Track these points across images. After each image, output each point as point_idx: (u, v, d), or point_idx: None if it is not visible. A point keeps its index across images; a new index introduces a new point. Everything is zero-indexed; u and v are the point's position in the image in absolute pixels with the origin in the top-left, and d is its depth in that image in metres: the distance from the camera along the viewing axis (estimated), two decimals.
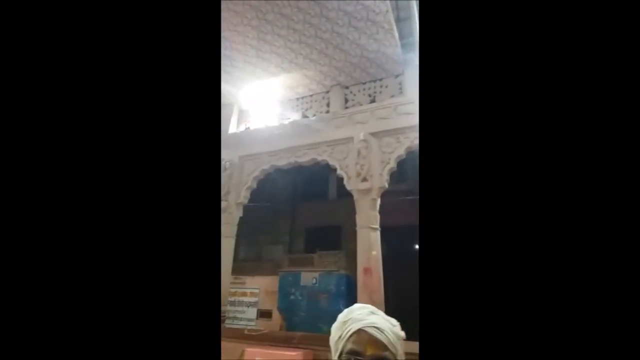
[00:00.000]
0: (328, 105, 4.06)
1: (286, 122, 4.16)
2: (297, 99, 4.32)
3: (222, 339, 3.17)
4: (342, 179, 3.57)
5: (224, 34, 3.40)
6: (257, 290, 7.83)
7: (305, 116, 4.15)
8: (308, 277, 7.13)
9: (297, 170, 4.45)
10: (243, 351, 2.91)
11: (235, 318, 7.42)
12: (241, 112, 4.62)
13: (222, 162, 4.10)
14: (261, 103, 4.44)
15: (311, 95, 4.25)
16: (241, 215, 4.01)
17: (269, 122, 4.31)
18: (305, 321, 6.62)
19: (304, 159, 3.88)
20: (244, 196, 3.99)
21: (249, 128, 4.45)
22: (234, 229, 3.91)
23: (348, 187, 3.46)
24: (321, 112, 4.06)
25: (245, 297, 7.87)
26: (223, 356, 3.06)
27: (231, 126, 4.47)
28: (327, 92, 4.12)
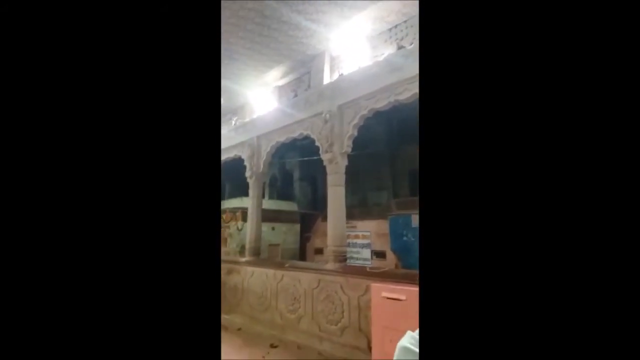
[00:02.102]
0: None
1: (380, 58, 3.86)
2: (390, 29, 3.92)
3: (348, 275, 3.50)
4: None
5: None
6: (368, 233, 8.28)
7: (400, 47, 3.76)
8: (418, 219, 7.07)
9: (397, 111, 4.19)
10: (368, 286, 3.16)
11: (352, 258, 8.10)
12: (333, 60, 4.50)
13: (322, 115, 4.18)
14: (352, 44, 4.21)
15: (405, 21, 3.79)
16: (346, 164, 4.11)
17: (362, 63, 4.09)
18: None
19: (405, 95, 3.59)
20: (347, 145, 4.03)
21: (342, 75, 4.33)
22: (342, 178, 4.06)
23: None
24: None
25: (358, 239, 8.44)
26: (351, 290, 3.40)
27: (325, 76, 4.43)
28: None
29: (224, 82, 5.23)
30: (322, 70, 4.43)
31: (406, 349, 0.91)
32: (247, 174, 5.35)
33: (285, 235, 8.85)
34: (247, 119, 5.77)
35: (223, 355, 3.66)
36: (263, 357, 3.44)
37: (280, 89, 5.25)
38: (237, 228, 7.92)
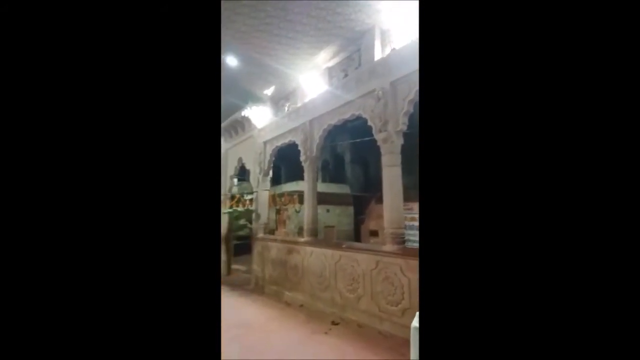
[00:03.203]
0: None
1: None
2: None
3: (408, 257, 3.43)
4: None
5: None
6: None
7: None
8: None
9: None
10: None
11: (409, 240, 7.92)
12: (383, 34, 4.28)
13: (374, 92, 4.04)
14: (403, 15, 3.94)
15: None
16: (402, 142, 3.95)
17: (415, 35, 3.81)
18: None
19: None
20: (402, 122, 3.86)
21: (394, 49, 4.11)
22: (398, 158, 3.92)
23: None
24: None
25: (415, 221, 8.18)
26: (411, 272, 3.34)
27: (376, 52, 4.24)
28: None
29: (275, 67, 5.33)
30: (373, 46, 4.25)
31: (417, 329, 0.95)
32: (302, 158, 5.47)
33: (340, 217, 8.96)
34: (299, 104, 5.83)
35: (288, 329, 3.92)
36: (326, 332, 3.59)
37: (331, 70, 5.17)
38: (295, 210, 8.23)
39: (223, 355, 3.15)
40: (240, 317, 4.50)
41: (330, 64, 5.14)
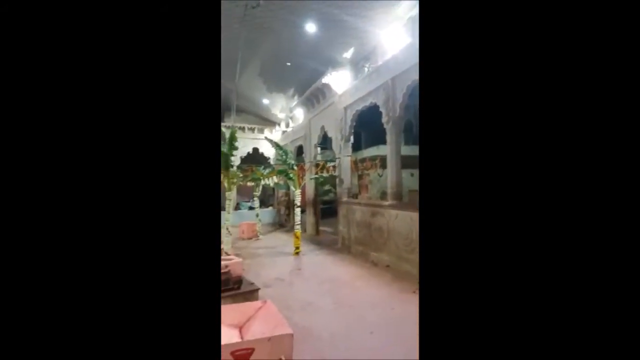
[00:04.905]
0: None
1: None
2: None
3: None
4: None
5: None
6: None
7: None
8: None
9: None
10: None
11: None
12: None
13: None
14: None
15: None
16: None
17: None
18: None
19: None
20: None
21: None
22: None
23: None
24: None
25: None
26: None
27: None
28: None
29: (355, 27, 5.13)
30: None
31: None
32: (384, 119, 5.30)
33: None
34: (380, 62, 5.57)
35: (375, 286, 4.08)
36: (414, 291, 3.63)
37: (414, 19, 4.73)
38: (378, 175, 8.18)
39: (318, 306, 3.50)
40: (330, 273, 4.85)
41: (414, 12, 4.69)
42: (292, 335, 1.57)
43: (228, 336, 1.74)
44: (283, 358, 1.50)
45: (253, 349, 1.46)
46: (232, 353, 1.43)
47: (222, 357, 1.39)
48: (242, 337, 1.74)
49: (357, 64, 6.68)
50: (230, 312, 1.96)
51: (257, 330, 1.75)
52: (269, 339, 1.52)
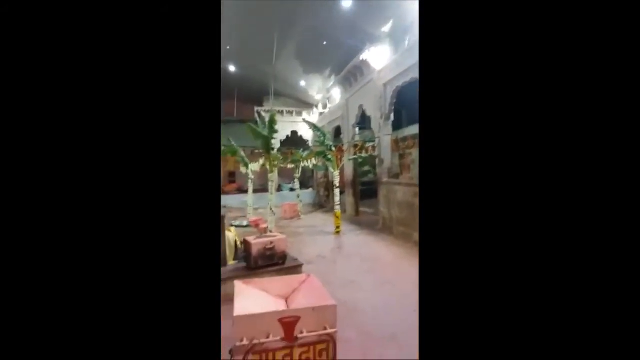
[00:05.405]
0: None
1: None
2: None
3: None
4: None
5: None
6: None
7: None
8: None
9: None
10: None
11: None
12: None
13: None
14: None
15: None
16: None
17: None
18: None
19: None
20: None
21: None
22: None
23: None
24: None
25: None
26: None
27: None
28: None
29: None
30: None
31: None
32: None
33: None
34: None
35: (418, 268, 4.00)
36: None
37: None
38: None
39: (361, 283, 3.53)
40: (372, 252, 4.86)
41: None
42: (335, 306, 1.60)
43: (275, 305, 1.83)
44: (328, 327, 1.55)
45: (299, 318, 1.52)
46: (280, 320, 1.50)
47: (270, 324, 1.48)
48: (288, 307, 1.82)
49: (396, 38, 6.35)
50: (276, 284, 2.05)
51: (302, 301, 1.81)
52: (314, 308, 1.57)
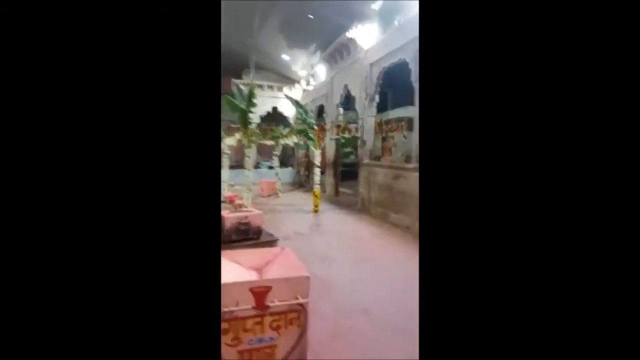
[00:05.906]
0: None
1: None
2: None
3: None
4: None
5: None
6: None
7: None
8: None
9: None
10: None
11: None
12: None
13: None
14: None
15: None
16: None
17: None
18: None
19: None
20: None
21: None
22: None
23: None
24: None
25: None
26: None
27: None
28: None
29: None
30: None
31: None
32: (413, 77, 4.98)
33: None
34: (412, 14, 5.12)
35: (395, 246, 4.08)
36: None
37: None
38: (403, 137, 7.91)
39: (338, 259, 3.56)
40: (349, 230, 4.90)
41: None
42: (308, 277, 1.58)
43: (247, 276, 1.79)
44: (299, 298, 1.52)
45: (270, 287, 1.48)
46: (251, 289, 1.46)
47: (241, 294, 1.43)
48: (261, 278, 1.78)
49: (386, 17, 6.18)
50: (249, 256, 1.99)
51: (275, 273, 1.78)
52: (286, 279, 1.54)
